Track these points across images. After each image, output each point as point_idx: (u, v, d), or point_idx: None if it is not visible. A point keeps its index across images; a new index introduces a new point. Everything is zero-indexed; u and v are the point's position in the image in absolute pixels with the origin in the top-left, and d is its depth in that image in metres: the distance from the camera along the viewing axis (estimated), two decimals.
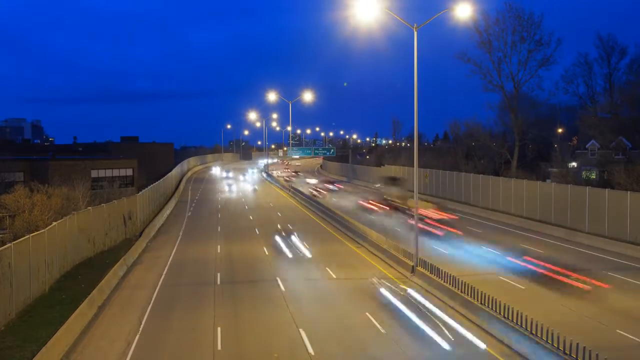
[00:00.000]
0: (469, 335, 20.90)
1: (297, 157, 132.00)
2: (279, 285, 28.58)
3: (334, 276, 30.37)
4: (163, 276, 30.84)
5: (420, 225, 33.26)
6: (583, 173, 67.54)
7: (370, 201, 57.89)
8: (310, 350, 19.46)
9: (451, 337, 20.88)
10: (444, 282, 25.77)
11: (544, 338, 17.99)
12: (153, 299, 26.29)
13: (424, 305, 24.61)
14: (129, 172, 69.43)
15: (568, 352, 16.73)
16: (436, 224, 42.14)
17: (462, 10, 30.21)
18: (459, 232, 40.89)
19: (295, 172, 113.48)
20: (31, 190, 37.88)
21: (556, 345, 17.35)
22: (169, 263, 34.32)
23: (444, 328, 21.77)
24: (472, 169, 72.90)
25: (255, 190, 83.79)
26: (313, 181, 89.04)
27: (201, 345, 20.20)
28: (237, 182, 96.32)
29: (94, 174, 63.50)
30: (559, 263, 29.94)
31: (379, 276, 30.13)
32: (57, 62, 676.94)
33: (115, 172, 67.28)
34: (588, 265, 32.98)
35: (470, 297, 23.10)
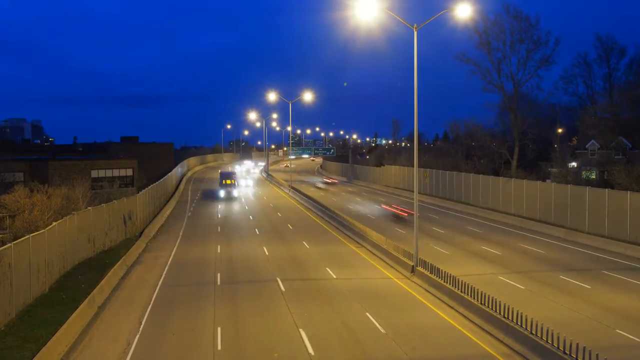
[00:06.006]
0: (469, 335, 20.93)
1: (293, 157, 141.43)
2: (279, 285, 28.58)
3: (334, 276, 30.38)
4: (163, 276, 30.82)
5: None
6: (583, 173, 67.51)
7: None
8: (310, 351, 19.46)
9: (451, 337, 20.90)
10: (444, 282, 25.79)
11: (544, 338, 18.00)
12: (153, 299, 26.29)
13: (424, 305, 24.64)
14: (129, 172, 69.39)
15: (568, 352, 16.74)
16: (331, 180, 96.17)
17: (462, 11, 30.21)
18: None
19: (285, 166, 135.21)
20: (31, 190, 37.86)
21: (556, 345, 17.36)
22: (169, 263, 34.31)
23: (443, 328, 21.80)
24: (472, 169, 72.86)
25: (255, 190, 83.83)
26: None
27: (201, 345, 20.20)
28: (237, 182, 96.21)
29: (94, 174, 63.44)
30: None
31: (379, 277, 30.15)
32: (57, 64, 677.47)
33: (115, 172, 67.23)
34: (587, 265, 33.00)
35: (470, 296, 23.11)
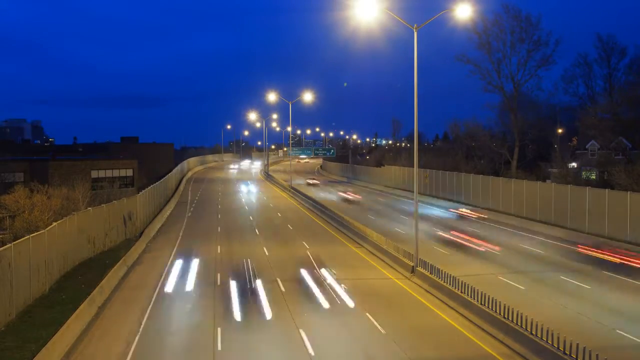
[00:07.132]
0: (469, 335, 20.93)
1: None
2: (279, 285, 28.57)
3: (335, 277, 30.34)
4: (163, 277, 30.81)
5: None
6: (583, 173, 67.53)
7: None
8: (310, 351, 19.46)
9: (451, 337, 20.90)
10: (444, 282, 25.79)
11: (544, 338, 17.99)
12: (153, 299, 26.27)
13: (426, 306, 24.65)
14: (129, 172, 69.46)
15: (568, 352, 16.73)
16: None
17: (462, 11, 30.21)
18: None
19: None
20: (31, 190, 37.92)
21: (556, 346, 17.35)
22: (169, 263, 34.29)
23: (443, 328, 21.80)
24: (472, 169, 72.87)
25: (255, 191, 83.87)
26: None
27: (201, 345, 20.19)
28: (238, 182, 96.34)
29: (94, 174, 63.51)
30: None
31: (380, 277, 30.12)
32: (57, 64, 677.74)
33: (116, 173, 67.31)
34: (587, 265, 32.98)
35: (470, 297, 23.11)
